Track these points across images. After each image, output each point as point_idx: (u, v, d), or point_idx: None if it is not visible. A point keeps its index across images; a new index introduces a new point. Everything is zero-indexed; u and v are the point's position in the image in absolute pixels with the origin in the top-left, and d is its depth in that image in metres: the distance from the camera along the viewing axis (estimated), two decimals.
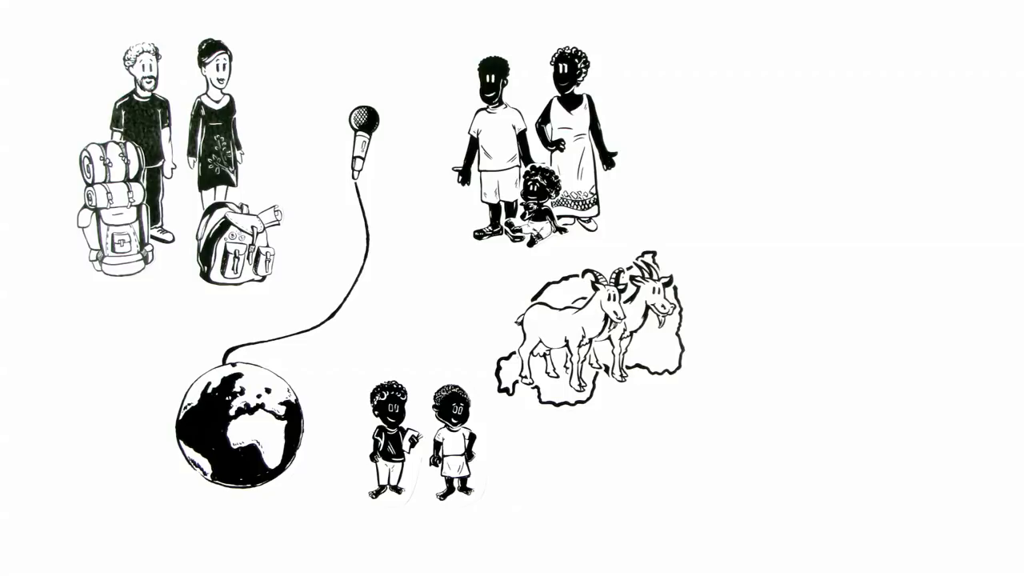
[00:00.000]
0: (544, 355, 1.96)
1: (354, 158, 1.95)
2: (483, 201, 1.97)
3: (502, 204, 1.97)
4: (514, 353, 1.95)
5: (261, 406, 1.94)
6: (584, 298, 1.95)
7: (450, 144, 1.95)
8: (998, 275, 1.91)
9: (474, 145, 1.96)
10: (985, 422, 1.91)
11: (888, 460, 1.92)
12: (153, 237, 1.98)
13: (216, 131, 1.97)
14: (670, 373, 1.94)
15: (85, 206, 1.95)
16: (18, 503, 1.95)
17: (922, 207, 1.92)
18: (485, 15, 1.94)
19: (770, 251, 1.93)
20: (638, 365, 1.95)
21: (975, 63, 1.91)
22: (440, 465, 1.95)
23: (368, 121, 1.94)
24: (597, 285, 1.94)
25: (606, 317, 1.94)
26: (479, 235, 1.96)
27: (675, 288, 1.94)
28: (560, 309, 1.95)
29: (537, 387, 1.96)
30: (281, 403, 1.95)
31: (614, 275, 1.94)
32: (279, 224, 1.97)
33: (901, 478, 1.92)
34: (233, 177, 1.98)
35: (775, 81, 1.93)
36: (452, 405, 1.94)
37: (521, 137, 1.97)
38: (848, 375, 1.92)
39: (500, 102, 1.96)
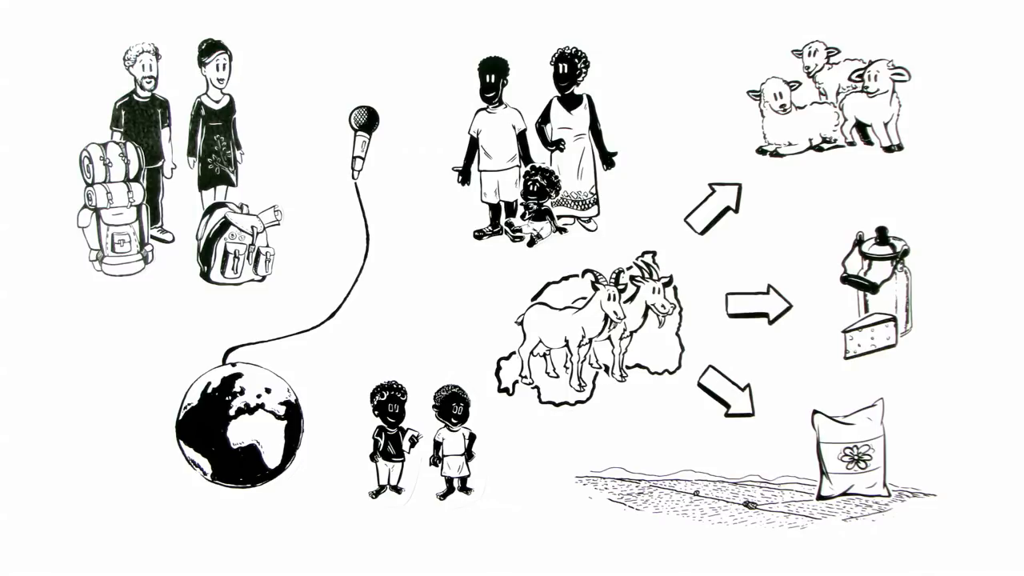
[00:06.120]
0: (544, 355, 1.96)
1: (354, 158, 1.95)
2: (483, 201, 1.97)
3: (502, 204, 1.97)
4: (514, 353, 1.95)
5: (261, 406, 1.95)
6: (584, 298, 1.95)
7: (450, 144, 1.95)
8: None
9: (474, 145, 1.96)
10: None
11: (895, 460, 1.92)
12: (153, 237, 1.98)
13: (216, 131, 1.97)
14: (670, 373, 1.94)
15: (85, 206, 1.96)
16: (18, 503, 1.95)
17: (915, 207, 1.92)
18: (485, 15, 1.94)
19: (771, 251, 1.93)
20: (638, 365, 1.95)
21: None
22: (440, 465, 1.96)
23: (368, 121, 1.94)
24: (597, 285, 1.94)
25: (606, 317, 1.94)
26: (479, 235, 1.96)
27: (675, 288, 1.94)
28: (560, 309, 1.95)
29: (537, 387, 1.96)
30: (281, 403, 1.95)
31: (614, 275, 1.94)
32: (279, 224, 1.97)
33: (903, 472, 1.92)
34: (233, 177, 1.98)
35: (775, 81, 1.93)
36: (452, 405, 1.94)
37: (521, 137, 1.97)
38: (846, 372, 1.92)
39: (500, 102, 1.96)
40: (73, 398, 1.95)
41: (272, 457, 1.95)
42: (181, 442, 1.95)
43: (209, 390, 1.94)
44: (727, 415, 1.93)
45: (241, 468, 1.94)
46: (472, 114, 1.96)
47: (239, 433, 1.94)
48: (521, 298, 1.95)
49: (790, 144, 1.94)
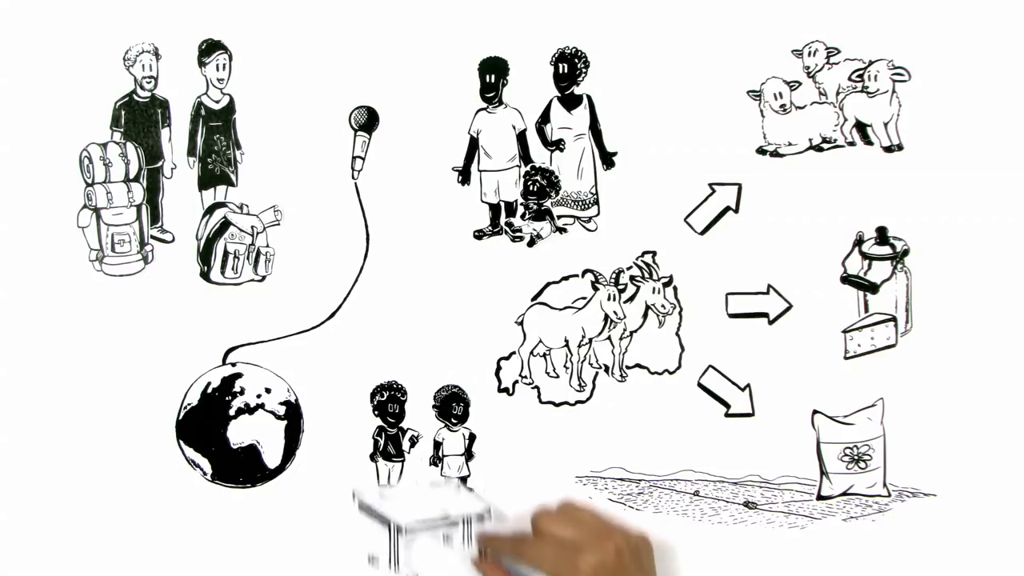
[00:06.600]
0: (544, 355, 1.96)
1: (354, 158, 1.95)
2: (483, 201, 1.97)
3: (502, 204, 1.97)
4: (514, 353, 1.95)
5: (261, 406, 1.95)
6: (584, 298, 1.95)
7: (450, 144, 1.95)
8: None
9: (474, 145, 1.96)
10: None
11: (895, 460, 1.92)
12: (153, 237, 1.98)
13: (216, 131, 1.97)
14: (670, 373, 1.94)
15: (85, 206, 1.96)
16: (18, 503, 1.95)
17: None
18: (485, 15, 1.94)
19: (771, 251, 1.93)
20: (638, 365, 1.95)
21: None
22: (440, 465, 1.96)
23: (368, 121, 1.94)
24: (597, 285, 1.94)
25: (606, 317, 1.94)
26: (479, 235, 1.96)
27: (675, 288, 1.94)
28: (560, 309, 1.95)
29: (537, 387, 1.96)
30: (281, 403, 1.95)
31: (614, 275, 1.94)
32: (279, 224, 1.97)
33: (903, 472, 1.92)
34: (233, 177, 1.98)
35: (775, 81, 1.93)
36: (452, 405, 1.94)
37: (521, 137, 1.97)
38: (846, 372, 1.92)
39: (500, 102, 1.96)
40: (73, 398, 1.95)
41: (272, 457, 1.95)
42: (181, 442, 1.95)
43: (209, 390, 1.95)
44: (727, 415, 1.93)
45: (241, 468, 1.94)
46: (472, 114, 1.96)
47: (239, 433, 1.94)
48: (521, 298, 1.95)
49: (790, 144, 1.94)
